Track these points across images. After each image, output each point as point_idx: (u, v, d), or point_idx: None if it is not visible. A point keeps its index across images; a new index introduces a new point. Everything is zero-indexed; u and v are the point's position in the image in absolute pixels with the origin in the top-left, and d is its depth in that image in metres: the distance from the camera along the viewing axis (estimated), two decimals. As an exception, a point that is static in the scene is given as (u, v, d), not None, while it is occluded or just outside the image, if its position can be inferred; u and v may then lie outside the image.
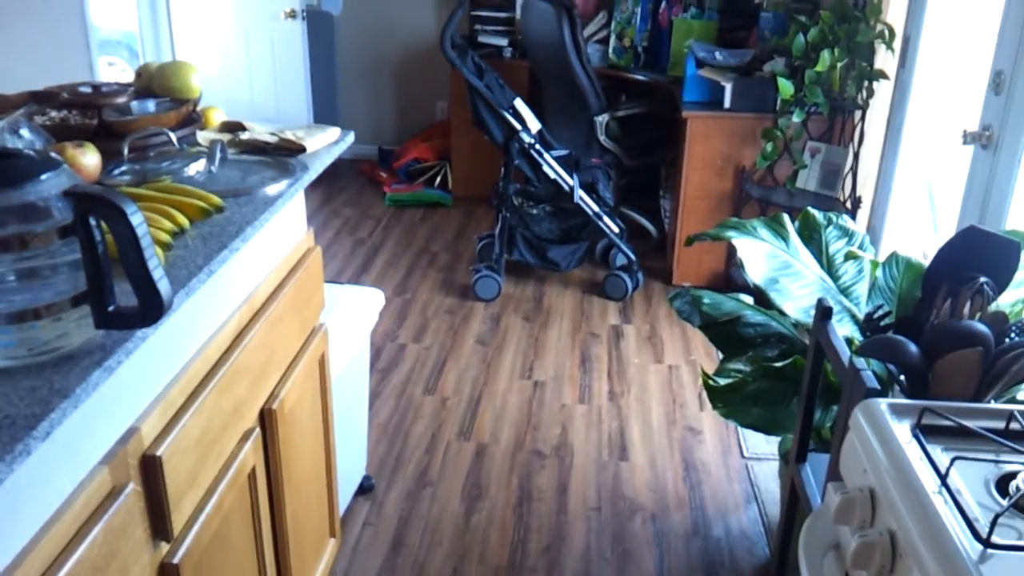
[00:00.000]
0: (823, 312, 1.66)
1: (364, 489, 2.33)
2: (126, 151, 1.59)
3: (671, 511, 2.30)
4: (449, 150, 4.76)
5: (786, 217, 2.15)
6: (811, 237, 2.23)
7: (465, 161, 4.70)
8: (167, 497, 1.12)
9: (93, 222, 1.01)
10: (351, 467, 2.22)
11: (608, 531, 2.22)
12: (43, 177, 1.01)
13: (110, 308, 1.04)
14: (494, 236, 3.60)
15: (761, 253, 2.07)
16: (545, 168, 3.49)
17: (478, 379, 2.94)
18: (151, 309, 1.05)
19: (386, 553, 2.13)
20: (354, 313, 2.11)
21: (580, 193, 3.52)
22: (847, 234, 2.27)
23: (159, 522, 1.12)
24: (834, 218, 2.26)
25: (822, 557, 1.18)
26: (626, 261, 3.59)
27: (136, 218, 1.02)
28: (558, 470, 2.46)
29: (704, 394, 2.84)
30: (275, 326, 1.53)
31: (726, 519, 2.27)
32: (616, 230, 3.59)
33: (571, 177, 3.51)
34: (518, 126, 3.44)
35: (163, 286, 1.04)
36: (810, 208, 2.25)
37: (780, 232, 2.14)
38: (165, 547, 1.15)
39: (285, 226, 1.66)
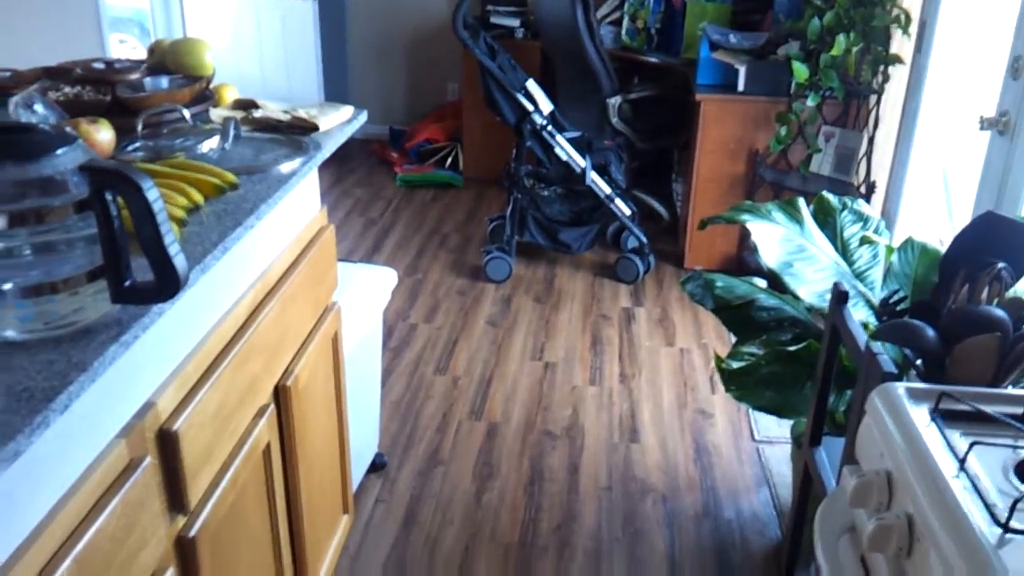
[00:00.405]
0: (839, 296, 1.65)
1: (376, 466, 2.34)
2: (140, 127, 1.59)
3: (682, 493, 2.30)
4: (460, 131, 4.75)
5: (801, 201, 2.14)
6: (825, 221, 2.22)
7: (476, 142, 4.69)
8: (184, 471, 1.12)
9: (109, 197, 1.01)
10: (364, 444, 2.23)
11: (619, 511, 2.23)
12: (59, 151, 1.01)
13: (126, 283, 1.04)
14: (505, 217, 3.59)
15: (775, 237, 2.06)
16: (557, 150, 3.47)
17: (489, 360, 2.94)
18: (167, 284, 1.05)
19: (398, 530, 2.14)
20: (367, 291, 2.10)
21: (592, 175, 3.50)
22: (862, 219, 2.25)
23: (176, 495, 1.12)
24: (849, 203, 2.25)
25: (837, 540, 1.18)
26: (638, 244, 3.58)
27: (152, 193, 1.02)
28: (569, 451, 2.47)
29: (715, 377, 2.83)
30: (289, 304, 1.53)
31: (737, 501, 2.27)
32: (628, 213, 3.57)
33: (583, 159, 3.50)
34: (530, 107, 3.42)
35: (179, 262, 1.04)
36: (824, 192, 2.23)
37: (795, 216, 2.13)
38: (182, 520, 1.15)
39: (299, 204, 1.66)
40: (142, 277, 1.03)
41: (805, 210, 2.13)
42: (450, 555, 2.07)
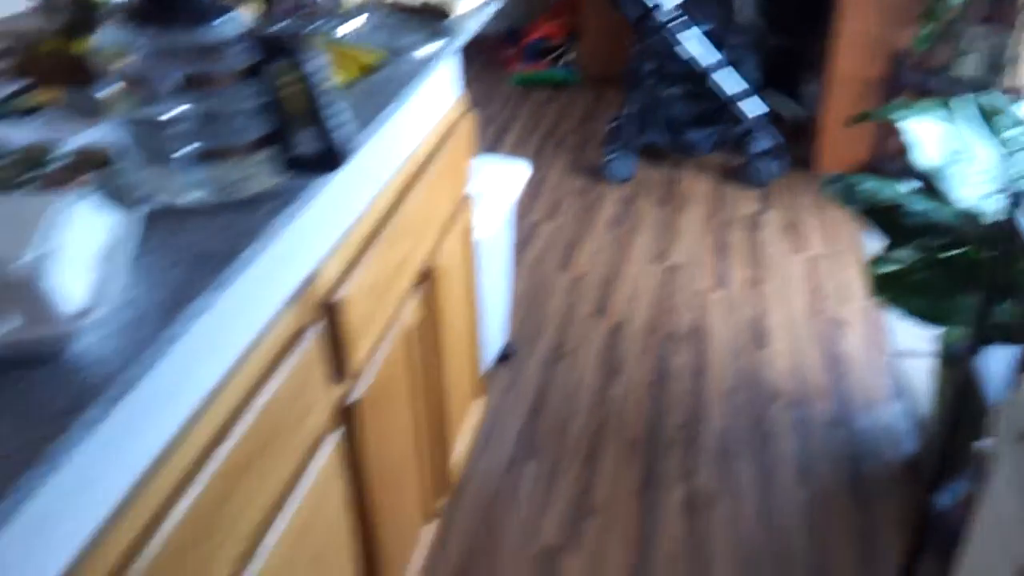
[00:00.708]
0: (1017, 198, 1.53)
1: (505, 356, 2.37)
2: (279, 9, 1.58)
3: (812, 400, 2.24)
4: (578, 27, 4.60)
5: (961, 101, 1.99)
6: (981, 124, 2.06)
7: (594, 39, 4.54)
8: (346, 340, 1.14)
9: (276, 66, 1.00)
10: (493, 334, 2.24)
11: (746, 414, 2.19)
12: (221, 20, 1.00)
13: (292, 153, 1.04)
14: (626, 117, 3.48)
15: (935, 135, 1.93)
16: (681, 47, 3.32)
17: (611, 260, 2.90)
18: (332, 155, 1.04)
19: (526, 418, 2.18)
20: (499, 183, 2.08)
21: (717, 74, 3.34)
22: (1020, 123, 2.08)
23: (338, 364, 1.14)
24: (1006, 105, 2.08)
25: (1016, 443, 1.11)
26: (766, 146, 3.43)
27: (318, 63, 1.01)
28: (694, 353, 2.43)
29: (850, 286, 2.73)
30: (433, 188, 1.52)
31: (870, 412, 2.20)
32: (757, 114, 3.41)
33: (711, 56, 3.34)
34: (652, 2, 3.26)
35: (343, 133, 1.04)
36: (976, 95, 2.07)
37: (953, 116, 1.99)
38: (343, 388, 1.17)
39: (440, 89, 1.63)
40: (307, 149, 1.03)
41: (964, 110, 1.98)
42: (577, 444, 2.09)
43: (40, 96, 1.28)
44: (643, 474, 2.01)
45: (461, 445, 1.83)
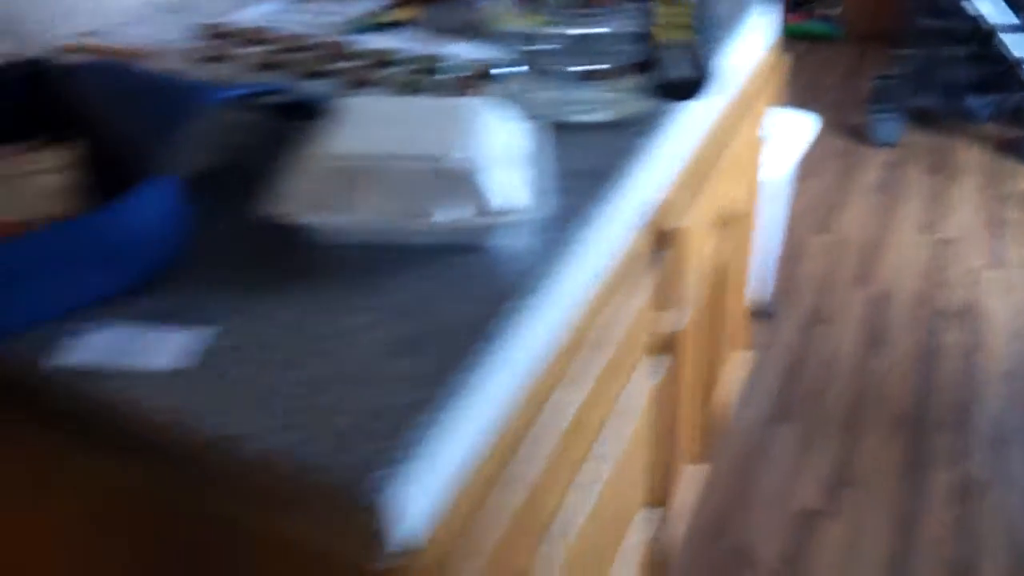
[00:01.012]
0: None
1: (765, 315, 2.32)
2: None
3: (1103, 398, 2.06)
4: (844, -21, 4.34)
5: None
6: None
7: (861, -7, 4.27)
8: (678, 271, 1.15)
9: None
10: (757, 289, 2.20)
11: (1024, 403, 2.05)
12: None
13: (662, 78, 1.05)
14: (898, 77, 3.26)
15: None
16: (969, 3, 3.05)
17: (873, 227, 2.75)
18: (698, 83, 1.05)
19: (785, 377, 2.13)
20: (788, 132, 2.02)
21: (1007, 35, 3.05)
22: None
23: (668, 293, 1.16)
24: None
25: None
26: (1057, 120, 3.12)
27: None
28: (967, 331, 2.28)
29: None
30: (747, 129, 1.50)
31: None
32: (1050, 83, 3.10)
33: (1001, 16, 3.05)
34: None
35: (710, 62, 1.04)
36: None
37: None
38: (671, 314, 1.19)
39: (761, 28, 1.58)
40: (675, 74, 1.04)
41: None
42: (833, 411, 2.03)
43: (399, 13, 1.37)
44: (908, 452, 1.93)
45: (732, 391, 1.82)
